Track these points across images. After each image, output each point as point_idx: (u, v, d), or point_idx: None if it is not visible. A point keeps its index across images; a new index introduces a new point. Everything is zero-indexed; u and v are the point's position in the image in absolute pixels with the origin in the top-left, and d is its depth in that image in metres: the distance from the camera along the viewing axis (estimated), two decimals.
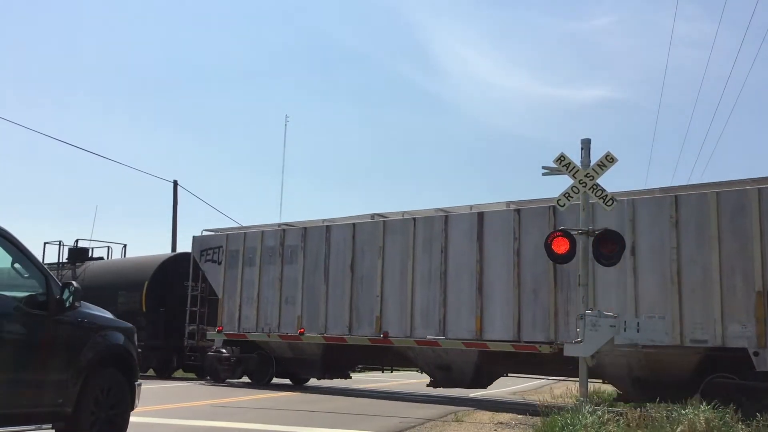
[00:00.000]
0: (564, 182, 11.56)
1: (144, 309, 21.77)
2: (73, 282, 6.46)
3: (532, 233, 14.32)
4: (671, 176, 74.20)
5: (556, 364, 13.79)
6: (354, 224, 17.19)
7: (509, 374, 16.39)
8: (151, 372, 22.04)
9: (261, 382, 18.59)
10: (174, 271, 21.98)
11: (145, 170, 60.32)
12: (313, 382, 20.09)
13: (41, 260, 25.95)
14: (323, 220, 18.23)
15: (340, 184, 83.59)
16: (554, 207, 13.46)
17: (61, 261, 25.11)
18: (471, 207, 15.90)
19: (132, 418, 7.23)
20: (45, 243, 25.90)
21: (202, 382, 19.62)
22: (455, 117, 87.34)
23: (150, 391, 11.37)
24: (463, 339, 14.88)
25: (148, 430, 8.92)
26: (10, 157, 67.85)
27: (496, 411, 13.00)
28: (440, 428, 10.35)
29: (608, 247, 10.99)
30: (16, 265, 6.34)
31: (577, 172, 11.26)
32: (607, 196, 11.25)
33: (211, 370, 19.32)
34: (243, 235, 19.30)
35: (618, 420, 8.48)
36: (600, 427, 8.17)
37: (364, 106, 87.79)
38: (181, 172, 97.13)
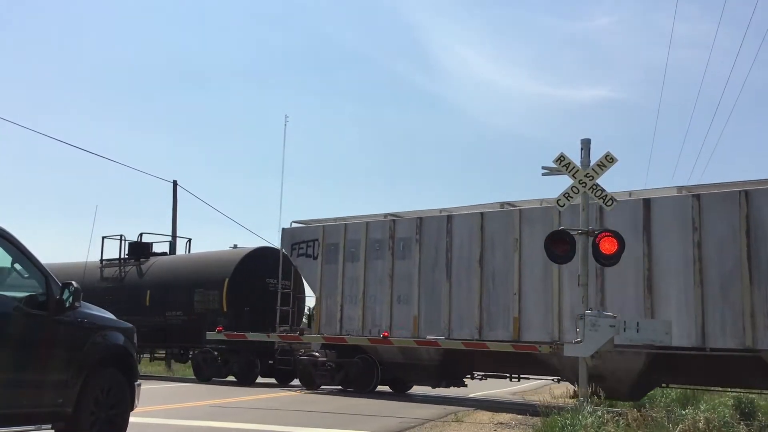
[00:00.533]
0: (564, 182, 11.58)
1: (225, 309, 20.08)
2: (73, 282, 6.46)
3: (717, 222, 12.80)
4: (671, 176, 74.20)
5: (749, 372, 12.52)
6: (482, 213, 15.48)
7: (670, 385, 14.61)
8: (230, 378, 20.19)
9: (365, 389, 16.75)
10: (254, 267, 20.49)
11: (145, 170, 60.28)
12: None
13: (100, 255, 23.61)
14: (440, 210, 16.64)
15: (339, 183, 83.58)
16: (746, 191, 12.48)
17: (122, 257, 23.64)
18: (630, 193, 14.33)
19: (132, 418, 7.22)
20: (103, 237, 24.17)
21: (287, 389, 18.23)
22: (455, 117, 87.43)
23: (150, 391, 11.36)
24: (622, 344, 13.18)
25: (148, 430, 8.91)
26: (10, 157, 67.87)
27: (496, 411, 12.99)
28: (440, 428, 10.35)
29: (608, 247, 11.00)
30: (16, 265, 6.35)
31: (577, 172, 11.27)
32: (606, 196, 11.25)
33: (305, 376, 17.92)
34: (343, 226, 17.56)
35: (618, 420, 8.48)
36: (600, 428, 8.17)
37: (364, 107, 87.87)
38: (181, 172, 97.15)
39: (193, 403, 12.94)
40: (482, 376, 16.57)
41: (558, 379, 15.51)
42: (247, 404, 13.21)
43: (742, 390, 14.48)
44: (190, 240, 25.33)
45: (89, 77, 76.04)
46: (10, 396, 5.81)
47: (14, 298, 6.06)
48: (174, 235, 31.50)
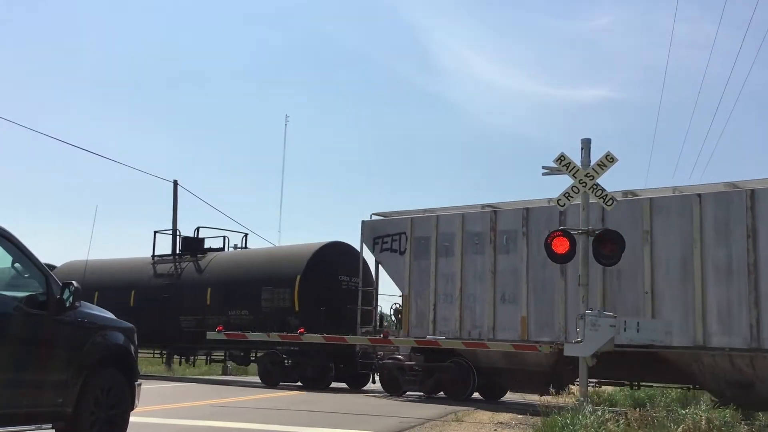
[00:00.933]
0: (564, 182, 11.59)
1: (297, 308, 18.72)
2: (73, 282, 6.46)
3: None
4: (671, 176, 74.13)
5: None
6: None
7: None
8: (298, 383, 18.61)
9: (459, 397, 15.13)
10: (326, 263, 19.20)
11: (145, 170, 60.23)
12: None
13: (153, 251, 22.62)
14: (548, 200, 14.81)
15: (339, 184, 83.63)
16: None
17: (176, 252, 22.53)
18: None
19: (132, 418, 7.23)
20: (155, 232, 23.17)
21: (360, 394, 17.00)
22: (455, 117, 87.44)
23: (150, 391, 11.37)
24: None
25: (148, 430, 8.91)
26: (10, 157, 67.92)
27: (496, 411, 12.99)
28: (440, 428, 10.34)
29: (608, 247, 11.03)
30: (17, 265, 6.35)
31: (577, 171, 11.29)
32: (607, 195, 11.27)
33: (389, 381, 16.47)
34: (434, 218, 16.04)
35: (618, 420, 8.48)
36: (600, 427, 8.17)
37: (364, 107, 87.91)
38: (181, 172, 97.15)
39: (194, 402, 12.94)
40: (596, 383, 14.85)
41: (691, 388, 13.87)
42: (247, 404, 13.21)
43: (602, 381, 14.29)
44: (246, 235, 23.53)
45: (89, 77, 76.11)
46: (10, 396, 5.81)
47: (14, 298, 6.06)
48: (174, 235, 31.50)
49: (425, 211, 16.74)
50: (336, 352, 17.96)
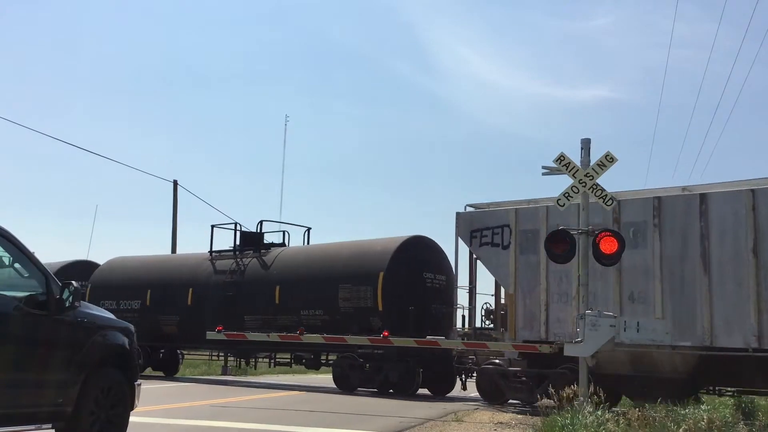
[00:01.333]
0: (564, 182, 11.57)
1: (380, 307, 17.21)
2: (73, 282, 6.46)
3: None
4: (671, 176, 74.12)
5: None
6: (753, 191, 12.51)
7: None
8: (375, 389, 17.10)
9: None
10: (409, 259, 17.75)
11: (145, 170, 60.29)
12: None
13: (210, 246, 21.84)
14: (682, 188, 13.74)
15: (339, 183, 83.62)
16: None
17: (236, 247, 21.15)
18: None
19: (132, 418, 7.23)
20: (213, 226, 22.03)
21: (443, 401, 15.86)
22: (455, 117, 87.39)
23: (150, 391, 11.37)
24: None
25: (148, 430, 8.92)
26: (10, 157, 67.92)
27: (497, 411, 13.00)
28: (440, 428, 10.35)
29: (608, 246, 11.03)
30: (16, 265, 6.35)
31: (577, 171, 11.28)
32: (606, 195, 11.27)
33: (489, 388, 15.04)
34: (544, 209, 14.43)
35: (618, 420, 8.49)
36: (599, 427, 8.17)
37: (364, 106, 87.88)
38: (181, 172, 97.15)
39: (194, 402, 12.94)
40: (734, 392, 13.59)
41: None
42: (248, 404, 13.21)
43: (744, 390, 13.53)
44: (309, 229, 22.20)
45: (89, 77, 76.14)
46: (10, 396, 5.82)
47: (14, 298, 6.06)
48: (174, 235, 31.57)
49: (530, 201, 15.31)
50: (431, 356, 16.74)
